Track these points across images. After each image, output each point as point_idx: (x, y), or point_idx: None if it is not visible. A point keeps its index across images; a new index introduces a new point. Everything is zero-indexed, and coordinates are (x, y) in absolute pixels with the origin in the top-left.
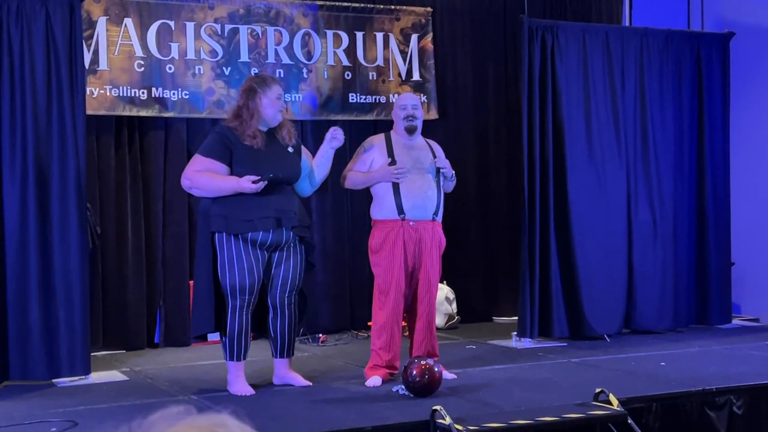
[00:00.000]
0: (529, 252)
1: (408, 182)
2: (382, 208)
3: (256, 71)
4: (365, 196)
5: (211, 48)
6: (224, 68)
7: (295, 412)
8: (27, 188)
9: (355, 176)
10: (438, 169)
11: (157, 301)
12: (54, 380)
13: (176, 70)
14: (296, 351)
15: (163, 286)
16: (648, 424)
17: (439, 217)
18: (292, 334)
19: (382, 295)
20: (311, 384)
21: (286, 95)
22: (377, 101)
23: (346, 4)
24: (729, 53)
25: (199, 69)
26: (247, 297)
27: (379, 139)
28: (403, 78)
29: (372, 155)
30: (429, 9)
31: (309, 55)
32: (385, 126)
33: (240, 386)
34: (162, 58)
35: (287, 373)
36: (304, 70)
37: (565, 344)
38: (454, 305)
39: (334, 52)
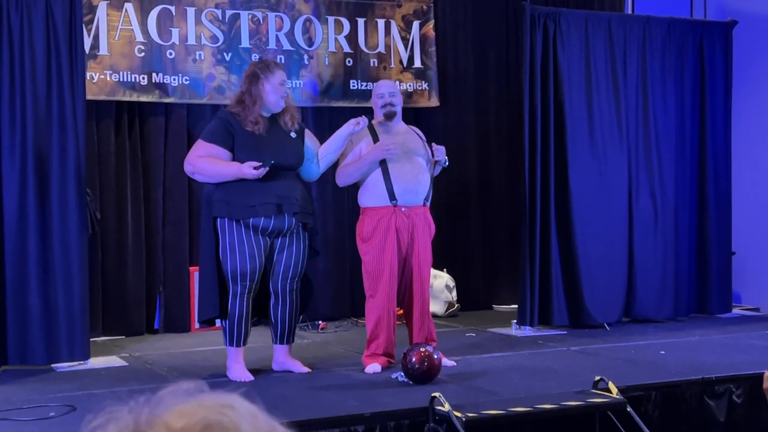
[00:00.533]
0: (529, 240)
1: (398, 167)
2: (372, 195)
3: (257, 57)
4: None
5: (212, 33)
6: (225, 54)
7: (294, 398)
8: (26, 173)
9: (346, 169)
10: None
11: (157, 286)
12: (53, 365)
13: (177, 55)
14: (296, 338)
15: (162, 272)
16: (647, 412)
17: (429, 202)
18: (293, 320)
19: (375, 283)
20: (310, 370)
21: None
22: None
23: None
24: (732, 42)
25: (200, 54)
26: (248, 283)
27: (363, 131)
28: (405, 65)
29: (360, 146)
30: None
31: (310, 42)
32: None
33: (239, 372)
34: (162, 43)
35: (287, 360)
36: (305, 57)
37: (565, 332)
38: (454, 293)
39: (336, 39)
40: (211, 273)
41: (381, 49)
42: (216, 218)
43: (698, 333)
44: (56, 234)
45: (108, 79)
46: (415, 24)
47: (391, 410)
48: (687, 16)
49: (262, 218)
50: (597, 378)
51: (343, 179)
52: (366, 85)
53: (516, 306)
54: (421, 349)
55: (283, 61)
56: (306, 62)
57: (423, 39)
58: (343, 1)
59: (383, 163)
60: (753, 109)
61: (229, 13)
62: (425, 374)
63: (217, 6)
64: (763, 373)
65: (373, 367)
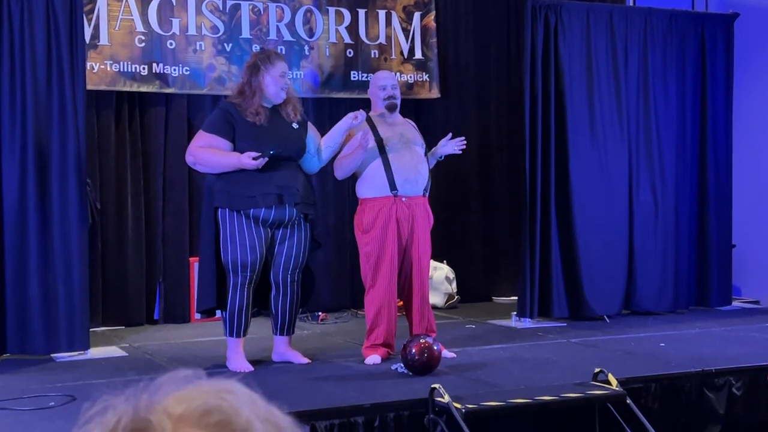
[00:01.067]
0: (529, 232)
1: (398, 158)
2: (372, 185)
3: (258, 48)
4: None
5: (213, 24)
6: (225, 44)
7: (294, 389)
8: (26, 163)
9: (342, 161)
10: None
11: (157, 277)
12: (53, 355)
13: (177, 45)
14: (296, 329)
15: (162, 263)
16: (647, 404)
17: (428, 193)
18: (294, 312)
19: (375, 274)
20: (310, 361)
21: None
22: None
23: None
24: (733, 34)
25: (200, 45)
26: (248, 274)
27: (362, 123)
28: (405, 56)
29: (357, 138)
30: None
31: (311, 32)
32: None
33: (239, 363)
34: (163, 33)
35: (287, 351)
36: (306, 47)
37: (565, 324)
38: (454, 285)
39: (336, 30)
40: (211, 263)
41: (382, 40)
42: (217, 209)
43: (698, 325)
44: (56, 224)
45: (108, 69)
46: (416, 15)
47: (390, 401)
48: (688, 8)
49: (263, 209)
50: (597, 370)
51: (341, 171)
52: (366, 76)
53: (516, 298)
54: (420, 341)
55: (283, 52)
56: (307, 53)
57: (424, 30)
58: None
59: (383, 154)
60: (754, 101)
61: (229, 3)
62: (425, 365)
63: None
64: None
65: (373, 359)
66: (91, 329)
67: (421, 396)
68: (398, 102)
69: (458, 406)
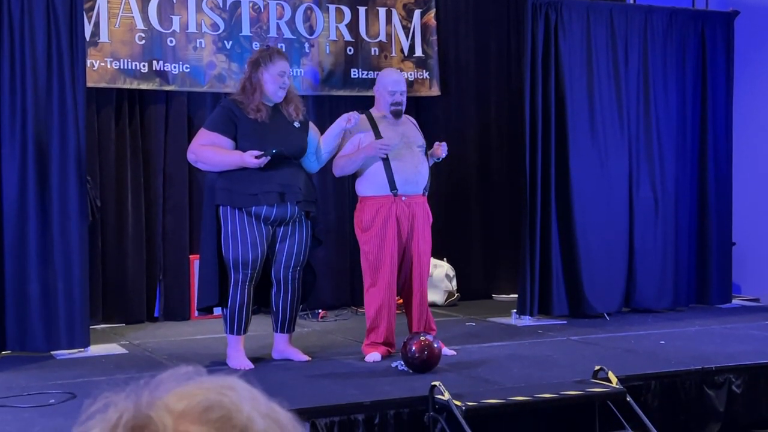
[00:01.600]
0: (529, 230)
1: (399, 157)
2: (372, 184)
3: (258, 45)
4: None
5: (213, 21)
6: (225, 42)
7: (294, 386)
8: (27, 160)
9: (341, 161)
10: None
11: (157, 274)
12: (53, 352)
13: (177, 43)
14: (296, 326)
15: (163, 260)
16: (647, 402)
17: (427, 192)
18: (294, 309)
19: (375, 273)
20: (310, 359)
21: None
22: None
23: None
24: (733, 32)
25: (201, 42)
26: (249, 271)
27: (362, 121)
28: (406, 54)
29: (358, 137)
30: None
31: (311, 30)
32: None
33: (239, 360)
34: (163, 31)
35: (287, 348)
36: (306, 45)
37: (565, 322)
38: (454, 282)
39: (336, 27)
40: (212, 261)
41: (382, 37)
42: (218, 206)
43: (698, 323)
44: (56, 221)
45: (108, 66)
46: (416, 13)
47: (391, 399)
48: (689, 5)
49: (264, 206)
50: (597, 367)
51: (339, 170)
52: (367, 74)
53: (516, 295)
54: (421, 338)
55: (284, 50)
56: (307, 50)
57: (424, 28)
58: None
59: (385, 156)
60: (754, 99)
61: (230, 1)
62: (425, 363)
63: None
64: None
65: (373, 356)
66: (91, 326)
67: (422, 393)
68: (404, 108)
69: (458, 403)
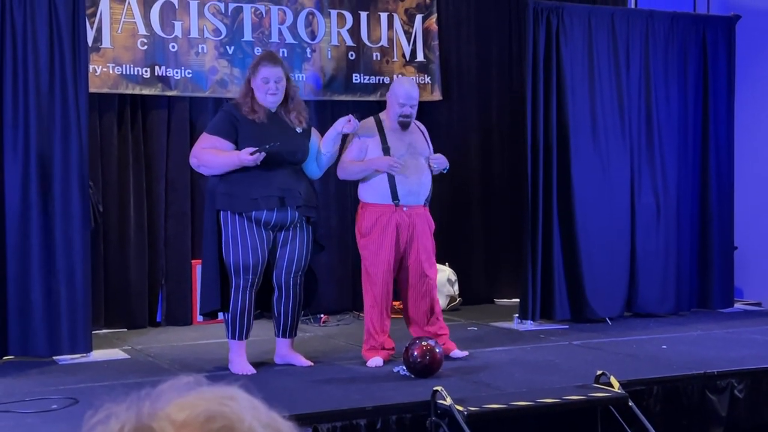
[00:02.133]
0: (531, 234)
1: (403, 168)
2: (374, 192)
3: (260, 51)
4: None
5: (215, 27)
6: (227, 47)
7: (296, 391)
8: (29, 166)
9: (350, 167)
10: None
11: (159, 280)
12: (55, 357)
13: (179, 48)
14: (298, 331)
15: (165, 265)
16: (649, 406)
17: (428, 203)
18: (296, 314)
19: (371, 278)
20: (312, 364)
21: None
22: (381, 82)
23: None
24: (735, 36)
25: (203, 48)
26: (250, 276)
27: (369, 126)
28: (407, 59)
29: (366, 142)
30: None
31: (313, 35)
32: None
33: (241, 365)
34: (165, 36)
35: (289, 353)
36: (308, 50)
37: (567, 327)
38: (456, 287)
39: (338, 32)
40: (213, 266)
41: (384, 42)
42: (219, 211)
43: (700, 328)
44: (59, 227)
45: (111, 72)
46: (418, 18)
47: (393, 404)
48: (690, 10)
49: (265, 211)
50: (599, 372)
51: (344, 174)
52: (369, 79)
53: (518, 300)
54: (422, 343)
55: (285, 55)
56: (309, 55)
57: (426, 33)
58: None
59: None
60: (756, 104)
61: (231, 6)
62: (427, 368)
63: None
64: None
65: (375, 361)
66: (93, 332)
67: (423, 398)
68: (412, 120)
69: (460, 408)
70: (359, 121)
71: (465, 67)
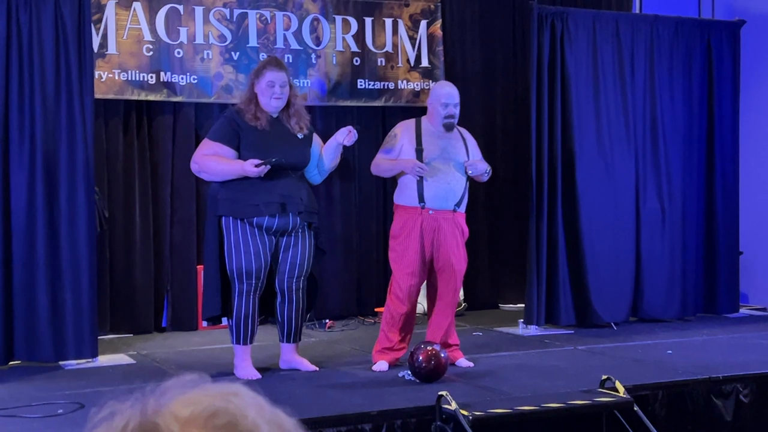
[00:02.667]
0: (536, 239)
1: (432, 171)
2: (404, 194)
3: (265, 56)
4: (374, 183)
5: (220, 33)
6: (233, 53)
7: (301, 396)
8: (35, 172)
9: (382, 163)
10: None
11: (165, 285)
12: (61, 362)
13: (185, 54)
14: (303, 336)
15: (170, 271)
16: (654, 411)
17: (462, 208)
18: (300, 319)
19: (395, 279)
20: (317, 369)
21: (294, 81)
22: (386, 87)
23: None
24: (739, 41)
25: (208, 54)
26: (253, 281)
27: (408, 125)
28: (412, 64)
29: (402, 141)
30: None
31: (318, 41)
32: (394, 112)
33: (246, 370)
34: (171, 42)
35: (294, 358)
36: (313, 56)
37: (572, 332)
38: (461, 292)
39: (343, 38)
40: (215, 271)
41: (388, 48)
42: (220, 217)
43: (705, 332)
44: (65, 232)
45: (116, 78)
46: (423, 23)
47: (398, 408)
48: (695, 15)
49: (267, 217)
50: (604, 377)
51: (376, 170)
52: (373, 84)
53: (523, 305)
54: (428, 348)
55: (290, 61)
56: (314, 61)
57: (430, 38)
58: (351, 1)
59: None
60: (761, 108)
61: (237, 12)
62: (432, 373)
63: (225, 5)
64: None
65: (380, 365)
66: (99, 337)
67: (428, 403)
68: (456, 121)
69: (465, 413)
70: (357, 133)
71: (470, 72)
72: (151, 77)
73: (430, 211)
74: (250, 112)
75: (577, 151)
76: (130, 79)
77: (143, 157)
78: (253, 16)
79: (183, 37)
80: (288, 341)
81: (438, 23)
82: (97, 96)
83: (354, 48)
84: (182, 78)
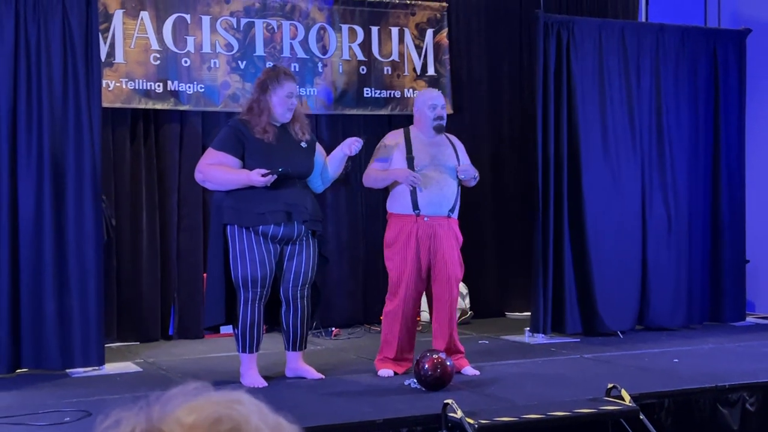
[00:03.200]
0: (542, 247)
1: (425, 179)
2: (398, 203)
3: (271, 65)
4: (380, 191)
5: (227, 42)
6: (239, 62)
7: (307, 404)
8: (42, 180)
9: (375, 174)
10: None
11: (172, 293)
12: (68, 370)
13: (192, 63)
14: (309, 344)
15: (177, 279)
16: (660, 420)
17: (455, 214)
18: (305, 327)
19: (395, 289)
20: (324, 377)
21: (301, 89)
22: (392, 96)
23: None
24: (745, 50)
25: (215, 62)
26: (258, 289)
27: (398, 135)
28: (418, 73)
29: (392, 152)
30: (444, 4)
31: (324, 50)
32: (400, 121)
33: (252, 378)
34: (178, 51)
35: (300, 366)
36: (319, 65)
37: (578, 340)
38: (467, 300)
39: (350, 47)
40: (219, 280)
41: (395, 56)
42: (225, 225)
43: (712, 341)
44: (72, 240)
45: (124, 86)
46: (429, 32)
47: (403, 417)
48: (700, 24)
49: (272, 225)
50: (610, 385)
51: (368, 182)
52: (380, 93)
53: (529, 313)
54: (433, 356)
55: (297, 69)
56: (320, 70)
57: (436, 47)
58: (357, 10)
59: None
60: (767, 116)
61: (243, 21)
62: (438, 381)
63: (232, 14)
64: None
65: (386, 372)
66: (105, 345)
67: (434, 411)
68: (445, 122)
69: (471, 421)
70: (363, 141)
71: (476, 81)
72: (158, 86)
73: (426, 218)
74: (260, 125)
75: (582, 160)
76: (137, 87)
77: (150, 165)
78: (260, 25)
79: (190, 46)
80: (293, 349)
81: (444, 32)
82: (105, 105)
83: (360, 57)
84: (189, 87)
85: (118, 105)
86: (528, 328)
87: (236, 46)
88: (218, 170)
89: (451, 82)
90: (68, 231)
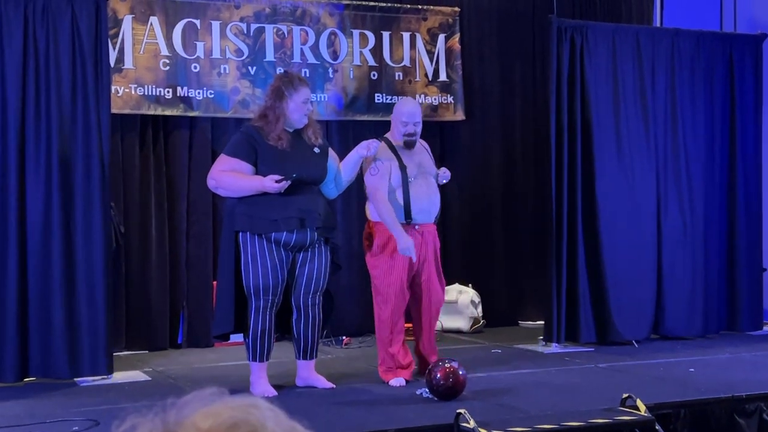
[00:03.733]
0: (556, 255)
1: (415, 187)
2: None
3: (282, 71)
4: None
5: (237, 47)
6: (250, 68)
7: (317, 413)
8: (51, 187)
9: (384, 205)
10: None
11: (181, 301)
12: (76, 379)
13: (201, 69)
14: (320, 353)
15: (186, 287)
16: (676, 430)
17: (437, 220)
18: (316, 335)
19: (383, 297)
20: (334, 386)
21: (311, 95)
22: None
23: (372, 3)
24: (762, 55)
25: (225, 68)
26: (270, 297)
27: (383, 148)
28: (430, 78)
29: (387, 164)
30: (456, 9)
31: (335, 55)
32: None
33: (262, 387)
34: (187, 57)
35: (310, 375)
36: (330, 70)
37: (593, 349)
38: (480, 309)
39: (360, 52)
40: (229, 287)
41: (406, 62)
42: (238, 232)
43: (728, 350)
44: (80, 248)
45: (133, 92)
46: (441, 37)
47: (415, 426)
48: (716, 28)
49: (285, 232)
50: (625, 395)
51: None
52: (391, 99)
53: (542, 322)
54: (445, 365)
55: (307, 75)
56: (331, 75)
57: (448, 52)
58: (368, 15)
59: (405, 184)
60: None
61: (254, 26)
62: (450, 390)
63: (242, 20)
64: None
65: (398, 381)
66: (114, 353)
67: (447, 421)
68: (417, 139)
69: (484, 431)
70: (378, 142)
71: (488, 86)
72: (168, 92)
73: (416, 227)
74: (274, 132)
75: (597, 166)
76: (146, 93)
77: (159, 171)
78: (270, 30)
79: (200, 52)
80: (304, 358)
81: (456, 37)
82: (114, 111)
83: (371, 62)
84: (199, 92)
85: (127, 111)
86: (541, 337)
87: (246, 52)
88: (231, 177)
89: (463, 88)
90: (77, 238)
